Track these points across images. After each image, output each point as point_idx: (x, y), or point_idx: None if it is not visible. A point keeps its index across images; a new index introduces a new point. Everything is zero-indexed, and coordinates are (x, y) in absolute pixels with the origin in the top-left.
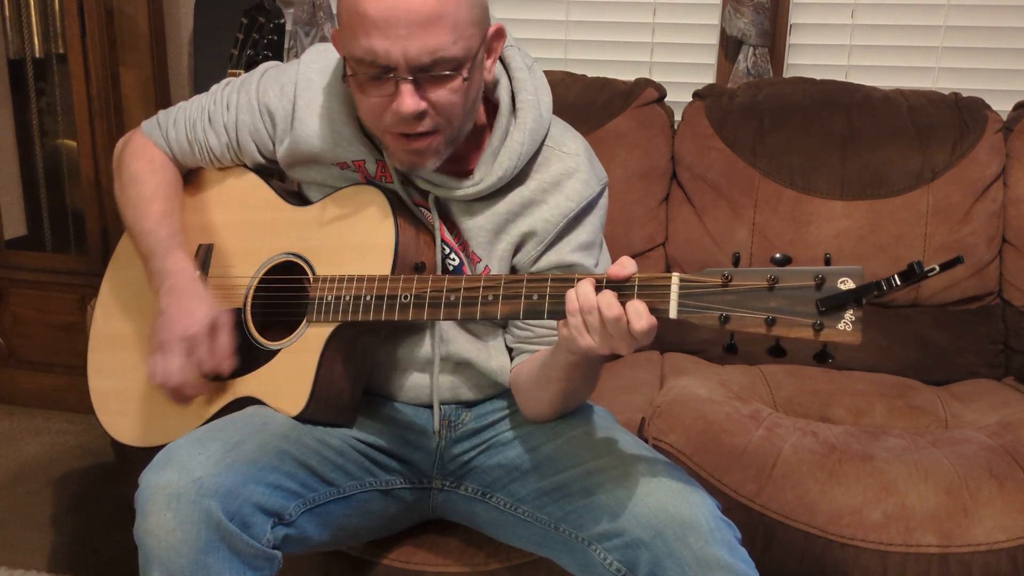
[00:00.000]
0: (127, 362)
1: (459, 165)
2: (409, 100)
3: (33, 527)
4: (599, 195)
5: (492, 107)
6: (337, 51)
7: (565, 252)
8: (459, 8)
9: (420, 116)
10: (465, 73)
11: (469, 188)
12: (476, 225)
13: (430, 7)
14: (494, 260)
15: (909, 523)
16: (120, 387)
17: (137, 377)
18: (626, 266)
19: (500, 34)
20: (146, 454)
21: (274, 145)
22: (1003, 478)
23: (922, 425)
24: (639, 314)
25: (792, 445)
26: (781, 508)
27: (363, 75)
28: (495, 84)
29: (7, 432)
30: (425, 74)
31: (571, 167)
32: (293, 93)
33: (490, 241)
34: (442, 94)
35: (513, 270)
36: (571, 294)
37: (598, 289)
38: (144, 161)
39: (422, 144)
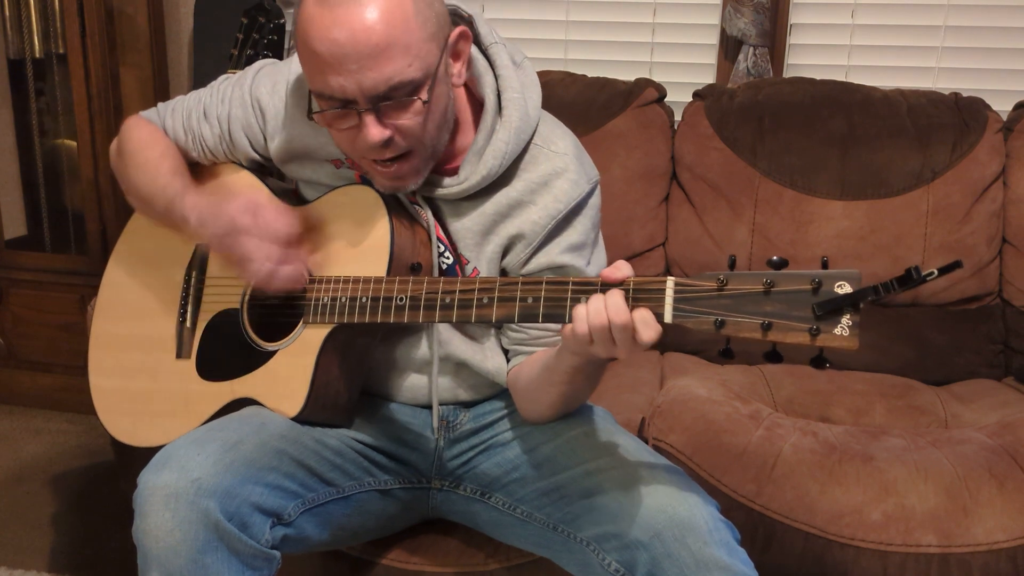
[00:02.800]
0: (127, 361)
1: (445, 164)
2: (373, 131)
3: (33, 527)
4: (589, 195)
5: (478, 105)
6: None
7: (555, 254)
8: (408, 30)
9: (387, 143)
10: (424, 95)
11: (453, 187)
12: (463, 226)
13: (378, 37)
14: (483, 262)
15: (909, 523)
16: (120, 386)
17: (137, 376)
18: (620, 269)
19: (464, 36)
20: (146, 454)
21: (266, 140)
22: (1003, 478)
23: (922, 425)
24: (647, 323)
25: (792, 445)
26: (781, 508)
27: (326, 110)
28: (480, 82)
29: (7, 432)
30: (385, 102)
31: (559, 167)
32: (285, 90)
33: (478, 243)
34: (406, 118)
35: (503, 273)
36: (580, 309)
37: (603, 290)
38: (147, 132)
39: (400, 168)
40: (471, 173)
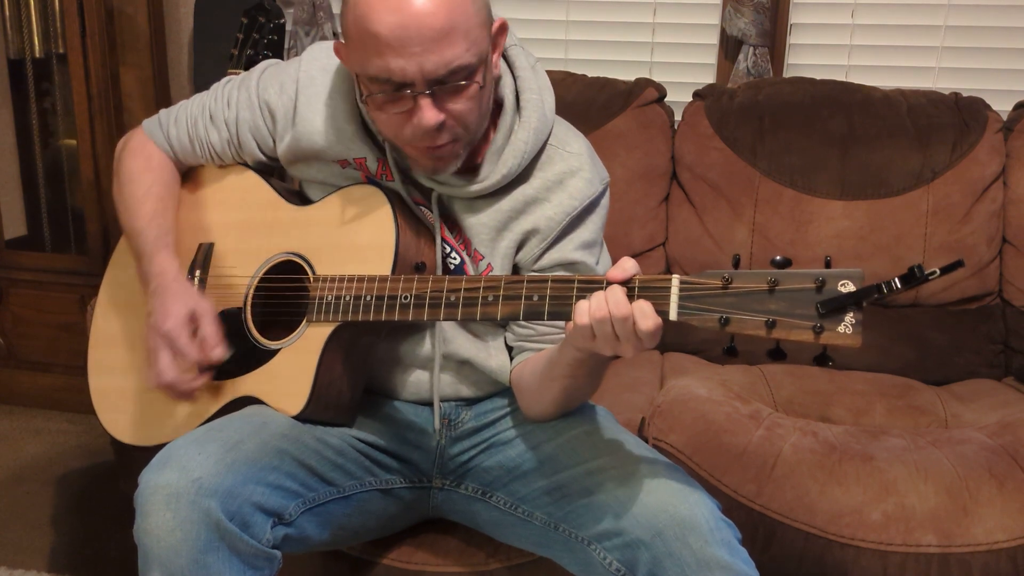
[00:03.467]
0: (127, 361)
1: (463, 163)
2: (429, 113)
3: (33, 527)
4: (601, 194)
5: (496, 105)
6: (345, 65)
7: (568, 250)
8: (468, 15)
9: (440, 128)
10: (480, 79)
11: (473, 186)
12: (479, 222)
13: (442, 20)
14: (497, 258)
15: (909, 523)
16: (120, 386)
17: (137, 376)
18: (626, 269)
19: (503, 28)
20: (146, 454)
21: (274, 142)
22: (1003, 478)
23: (922, 425)
24: (645, 314)
25: (792, 445)
26: (781, 508)
27: (379, 93)
28: (498, 82)
29: (7, 432)
30: (442, 86)
31: (574, 166)
32: (294, 90)
33: (493, 239)
34: (459, 103)
35: (516, 268)
36: (582, 303)
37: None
38: (140, 160)
39: (444, 151)
40: (490, 172)
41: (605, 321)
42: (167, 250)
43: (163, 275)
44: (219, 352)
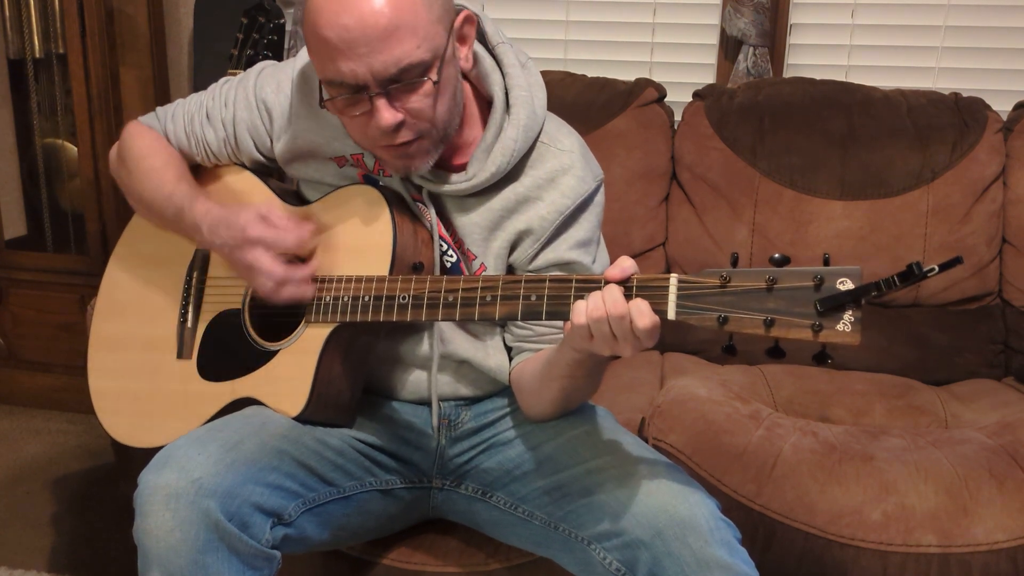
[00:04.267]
0: (127, 362)
1: (453, 159)
2: (386, 114)
3: (33, 527)
4: (595, 191)
5: (485, 103)
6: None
7: (562, 250)
8: (415, 12)
9: (399, 127)
10: (434, 75)
11: (461, 183)
12: (470, 222)
13: (386, 19)
14: (490, 258)
15: (909, 523)
16: (120, 387)
17: (137, 377)
18: (624, 268)
19: (469, 20)
20: (146, 454)
21: (272, 141)
22: (1003, 478)
23: (922, 425)
24: (642, 312)
25: (792, 445)
26: (781, 508)
27: (337, 97)
28: (487, 80)
29: (7, 432)
30: (396, 85)
31: (566, 164)
32: (290, 89)
33: (485, 238)
34: (416, 100)
35: (510, 269)
36: (579, 303)
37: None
38: (149, 139)
39: (411, 149)
40: (479, 170)
41: (602, 321)
42: (204, 197)
43: (210, 212)
44: (296, 234)
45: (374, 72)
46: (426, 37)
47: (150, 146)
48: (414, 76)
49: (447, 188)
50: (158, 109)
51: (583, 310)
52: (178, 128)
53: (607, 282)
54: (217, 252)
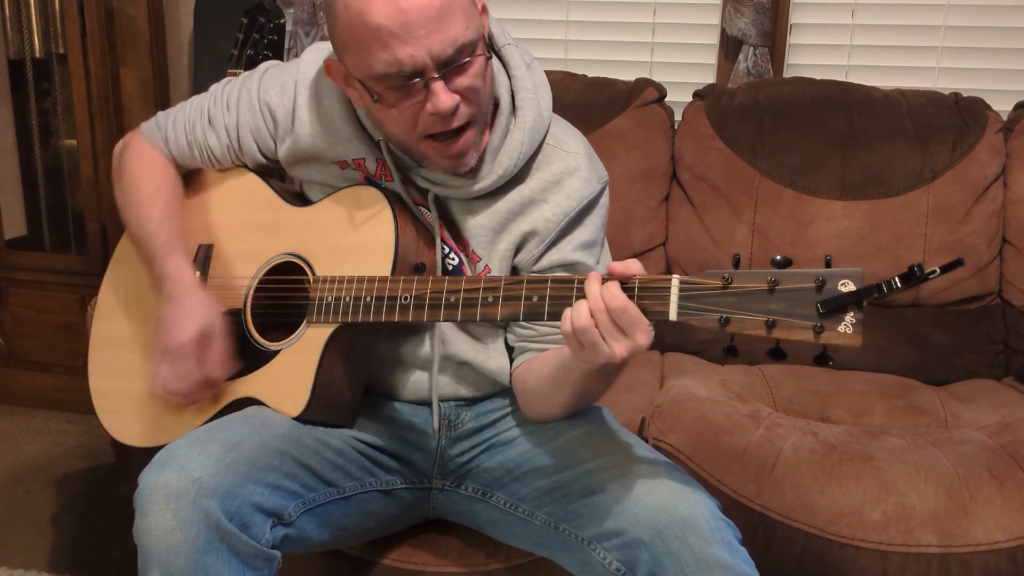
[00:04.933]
0: (127, 362)
1: None
2: (444, 97)
3: (33, 527)
4: (600, 193)
5: (492, 105)
6: (341, 82)
7: (567, 251)
8: None
9: (455, 111)
10: (482, 50)
11: (469, 187)
12: (476, 224)
13: (438, 0)
14: (495, 259)
15: (909, 523)
16: (120, 387)
17: (137, 377)
18: (630, 267)
19: (484, 9)
20: (146, 454)
21: (275, 144)
22: (1003, 478)
23: (922, 425)
24: (613, 296)
25: (792, 445)
26: (781, 508)
27: (390, 89)
28: (494, 82)
29: (7, 432)
30: (450, 66)
31: (572, 166)
32: (294, 91)
33: (491, 240)
34: (468, 80)
35: (515, 270)
36: (566, 311)
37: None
38: (143, 164)
39: (459, 144)
40: (487, 173)
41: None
42: (179, 253)
43: (178, 279)
44: (222, 372)
45: (433, 54)
46: (471, 16)
47: (144, 172)
48: (467, 55)
49: (453, 191)
50: (159, 115)
51: (567, 317)
52: (179, 135)
53: (609, 275)
54: (157, 314)
